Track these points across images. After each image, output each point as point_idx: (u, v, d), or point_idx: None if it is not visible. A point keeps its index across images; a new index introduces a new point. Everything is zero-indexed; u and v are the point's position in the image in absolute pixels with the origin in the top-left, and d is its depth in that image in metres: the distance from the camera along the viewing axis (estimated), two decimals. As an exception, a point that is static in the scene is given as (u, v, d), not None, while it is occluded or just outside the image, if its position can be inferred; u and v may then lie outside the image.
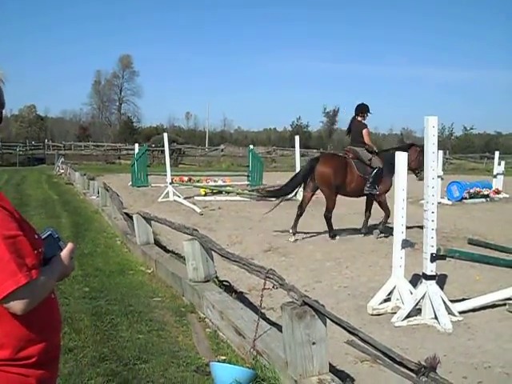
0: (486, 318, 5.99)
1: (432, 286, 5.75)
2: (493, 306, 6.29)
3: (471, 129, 68.80)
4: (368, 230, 11.41)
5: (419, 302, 5.82)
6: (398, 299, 6.18)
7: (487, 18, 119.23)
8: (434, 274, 5.80)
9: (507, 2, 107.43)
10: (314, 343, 3.70)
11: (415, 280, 6.45)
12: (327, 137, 71.29)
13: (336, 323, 3.46)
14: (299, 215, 11.03)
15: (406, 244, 6.22)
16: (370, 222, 11.59)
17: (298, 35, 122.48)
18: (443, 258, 5.89)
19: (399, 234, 6.21)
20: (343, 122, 76.99)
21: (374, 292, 6.42)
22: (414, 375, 2.58)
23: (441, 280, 7.15)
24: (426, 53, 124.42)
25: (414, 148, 11.36)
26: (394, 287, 6.23)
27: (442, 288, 6.30)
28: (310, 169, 11.04)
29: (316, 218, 13.88)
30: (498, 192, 20.41)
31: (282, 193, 11.73)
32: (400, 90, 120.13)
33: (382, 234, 11.05)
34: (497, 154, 22.82)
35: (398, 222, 6.23)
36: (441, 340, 5.27)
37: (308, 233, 11.38)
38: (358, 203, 12.42)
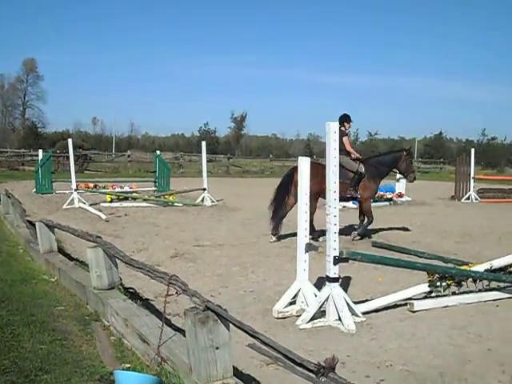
0: (388, 318, 6.15)
1: (335, 288, 5.85)
2: (395, 306, 6.46)
3: (376, 134, 70.86)
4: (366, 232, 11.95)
5: (323, 304, 5.90)
6: (302, 302, 6.24)
7: (391, 23, 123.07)
8: (338, 276, 5.90)
9: (407, 7, 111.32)
10: (217, 348, 3.68)
11: (320, 283, 6.55)
12: (235, 142, 71.65)
13: (238, 327, 3.46)
14: (281, 219, 11.30)
15: (310, 248, 6.31)
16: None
17: (203, 39, 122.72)
18: (346, 260, 6.00)
19: (303, 238, 6.28)
20: (251, 128, 77.64)
21: (279, 296, 6.46)
22: (313, 376, 2.60)
23: (345, 282, 7.30)
24: (330, 59, 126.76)
25: (400, 153, 12.27)
26: (299, 290, 6.29)
27: (345, 290, 6.42)
28: (289, 177, 11.43)
29: (223, 223, 13.93)
30: (400, 195, 21.11)
31: (274, 209, 11.42)
32: (306, 95, 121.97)
33: (358, 237, 11.61)
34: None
35: (302, 226, 6.30)
36: (344, 341, 5.36)
37: (216, 238, 11.39)
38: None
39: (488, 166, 56.43)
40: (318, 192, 10.58)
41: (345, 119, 11.97)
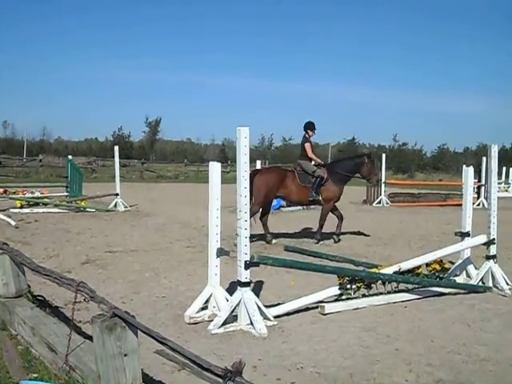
0: (299, 321, 6.19)
1: (247, 292, 5.85)
2: (306, 309, 6.52)
3: (290, 139, 71.68)
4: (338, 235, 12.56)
5: (235, 308, 5.89)
6: (214, 307, 6.21)
7: (293, 27, 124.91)
8: (249, 280, 5.90)
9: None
10: (125, 355, 3.60)
11: (232, 287, 6.54)
12: (149, 147, 71.05)
13: (146, 333, 3.40)
14: (264, 224, 12.21)
15: (221, 253, 6.29)
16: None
17: (114, 43, 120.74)
18: (257, 265, 6.01)
19: (214, 243, 6.26)
20: (165, 132, 77.06)
21: (191, 301, 6.40)
22: (220, 380, 2.58)
23: (257, 286, 7.32)
24: (240, 62, 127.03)
25: (361, 158, 12.94)
26: (211, 295, 6.26)
27: (257, 294, 6.44)
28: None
29: (136, 228, 13.74)
30: (313, 200, 21.39)
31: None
32: (220, 100, 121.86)
33: (317, 242, 12.14)
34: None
35: (213, 231, 6.28)
36: (256, 345, 5.37)
37: (128, 244, 11.22)
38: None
39: (399, 170, 58.06)
40: (270, 195, 11.95)
41: (308, 126, 12.53)
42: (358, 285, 6.89)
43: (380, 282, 7.11)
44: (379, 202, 23.15)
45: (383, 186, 23.34)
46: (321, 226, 12.50)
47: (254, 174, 11.78)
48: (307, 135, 12.53)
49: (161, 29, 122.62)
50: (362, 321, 6.21)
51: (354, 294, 6.85)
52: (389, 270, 7.18)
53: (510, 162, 41.02)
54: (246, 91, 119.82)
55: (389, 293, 7.11)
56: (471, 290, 7.63)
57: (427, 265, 7.71)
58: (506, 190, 31.03)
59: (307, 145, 12.42)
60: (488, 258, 7.87)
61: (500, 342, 5.56)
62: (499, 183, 28.31)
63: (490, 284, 7.73)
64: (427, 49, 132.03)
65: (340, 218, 12.74)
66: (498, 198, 8.38)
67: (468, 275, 8.01)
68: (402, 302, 7.04)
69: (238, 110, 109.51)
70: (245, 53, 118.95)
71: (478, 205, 22.40)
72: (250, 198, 11.22)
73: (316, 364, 4.84)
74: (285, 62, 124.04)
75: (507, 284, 7.74)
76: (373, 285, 7.07)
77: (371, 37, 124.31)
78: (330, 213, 12.72)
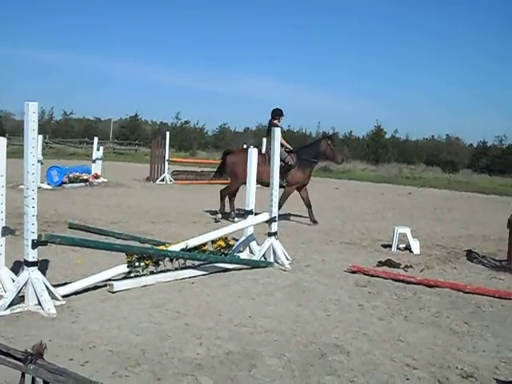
0: (88, 299, 6.11)
1: (34, 272, 5.66)
2: (95, 287, 6.44)
3: (71, 113, 69.23)
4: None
5: (22, 289, 5.67)
6: (0, 288, 5.95)
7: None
8: (36, 260, 5.70)
9: None
10: None
11: (18, 267, 6.29)
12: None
13: None
14: (231, 202, 13.52)
15: (6, 231, 6.02)
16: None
17: None
18: (44, 243, 5.82)
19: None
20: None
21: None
22: (21, 364, 2.51)
23: (43, 265, 7.08)
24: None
25: (323, 141, 13.66)
26: (-5, 276, 5.98)
27: (44, 273, 6.22)
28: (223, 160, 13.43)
29: None
30: (96, 177, 21.10)
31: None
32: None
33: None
34: (96, 139, 23.55)
35: None
36: (46, 325, 5.22)
37: None
38: None
39: (181, 148, 58.65)
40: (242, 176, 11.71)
41: (276, 113, 13.22)
42: (147, 262, 6.94)
43: (168, 259, 7.24)
44: (163, 180, 23.30)
45: (166, 163, 23.52)
46: (279, 207, 12.26)
47: (226, 154, 13.42)
48: (275, 121, 13.06)
49: None
50: (152, 298, 6.29)
51: (142, 271, 6.89)
52: (176, 248, 7.31)
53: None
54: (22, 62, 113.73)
55: (176, 269, 7.27)
56: (254, 265, 8.04)
57: (213, 241, 7.97)
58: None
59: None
60: (270, 234, 8.33)
61: (283, 314, 5.95)
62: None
63: (272, 259, 8.20)
64: (210, 24, 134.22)
65: (308, 205, 13.40)
66: (279, 178, 8.85)
67: (251, 251, 8.41)
68: (190, 278, 7.22)
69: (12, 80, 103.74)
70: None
71: (258, 184, 23.31)
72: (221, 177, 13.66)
73: (108, 342, 4.83)
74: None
75: (287, 259, 8.27)
76: (161, 262, 7.18)
77: (145, 17, 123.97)
78: (300, 195, 13.49)
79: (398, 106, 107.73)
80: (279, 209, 12.86)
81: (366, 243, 11.02)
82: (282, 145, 12.52)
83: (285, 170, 12.84)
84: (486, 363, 4.91)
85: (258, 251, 8.27)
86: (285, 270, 7.97)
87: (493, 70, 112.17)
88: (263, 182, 13.28)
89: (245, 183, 12.93)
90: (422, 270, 8.66)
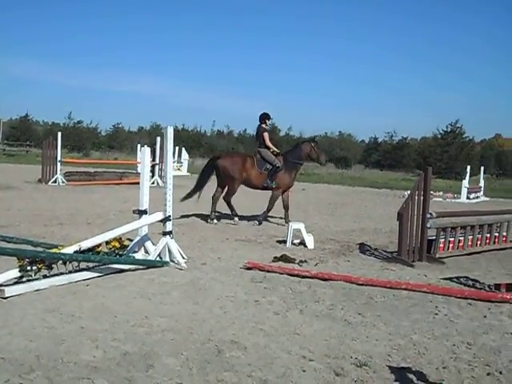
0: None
1: None
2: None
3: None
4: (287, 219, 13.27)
5: None
6: None
7: None
8: None
9: None
10: None
11: None
12: None
13: None
14: (214, 203, 13.45)
15: None
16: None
17: None
18: None
19: None
20: None
21: None
22: None
23: None
24: None
25: (307, 143, 14.15)
26: None
27: None
28: (212, 164, 13.65)
29: None
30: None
31: (196, 189, 13.64)
32: None
33: (258, 224, 13.25)
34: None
35: None
36: None
37: None
38: None
39: (74, 149, 57.32)
40: (237, 178, 13.21)
41: (264, 117, 13.84)
42: (39, 266, 6.75)
43: (61, 262, 7.08)
44: (55, 181, 22.68)
45: (59, 164, 22.91)
46: (268, 210, 13.61)
47: (216, 159, 13.69)
48: (264, 125, 13.82)
49: None
50: (45, 302, 6.13)
51: (35, 275, 6.71)
52: (69, 250, 7.17)
53: (182, 142, 43.25)
54: None
55: (70, 272, 7.11)
56: (150, 265, 7.99)
57: (107, 243, 7.85)
58: (179, 169, 32.63)
59: (266, 134, 13.69)
60: (165, 233, 8.31)
61: (179, 313, 5.96)
62: (173, 162, 29.62)
63: (168, 258, 8.18)
64: (101, 22, 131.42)
65: (286, 208, 13.73)
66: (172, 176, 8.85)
67: (146, 251, 8.34)
68: (84, 280, 7.09)
69: None
70: None
71: (153, 183, 23.24)
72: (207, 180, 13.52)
73: (0, 350, 4.69)
74: None
75: (183, 258, 8.28)
76: (54, 265, 7.00)
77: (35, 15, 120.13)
78: (282, 197, 13.77)
79: (291, 103, 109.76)
80: (268, 212, 13.54)
81: (262, 240, 11.18)
82: (268, 147, 13.43)
83: (273, 172, 13.43)
84: (379, 351, 5.11)
85: (153, 251, 8.22)
86: (181, 269, 7.97)
87: (386, 68, 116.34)
88: (255, 185, 13.78)
89: (242, 183, 13.63)
90: (316, 264, 8.88)
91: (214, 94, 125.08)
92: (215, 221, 13.31)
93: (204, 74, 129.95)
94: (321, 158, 14.36)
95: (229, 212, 13.72)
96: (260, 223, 13.38)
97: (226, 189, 13.61)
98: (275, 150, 13.85)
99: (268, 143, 13.73)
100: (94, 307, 6.03)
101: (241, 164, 13.37)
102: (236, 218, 13.50)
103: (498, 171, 56.46)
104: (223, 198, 13.66)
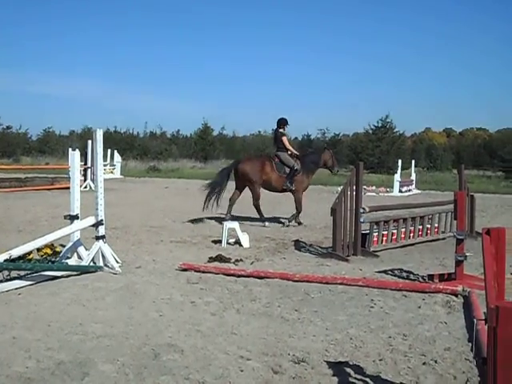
0: None
1: None
2: None
3: None
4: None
5: None
6: None
7: None
8: None
9: None
10: None
11: None
12: None
13: None
14: (231, 205, 13.89)
15: None
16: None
17: None
18: None
19: None
20: None
21: None
22: None
23: None
24: None
25: (328, 151, 14.78)
26: None
27: None
28: (233, 168, 14.07)
29: None
30: None
31: (214, 185, 14.02)
32: None
33: (291, 223, 13.72)
34: None
35: None
36: None
37: None
38: None
39: (4, 155, 55.93)
40: (257, 181, 13.57)
41: (282, 122, 14.18)
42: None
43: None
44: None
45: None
46: (298, 212, 13.88)
47: (237, 163, 14.18)
48: (281, 130, 14.11)
49: None
50: (-26, 313, 5.96)
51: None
52: (-1, 259, 6.98)
53: (115, 145, 42.70)
54: None
55: (1, 282, 6.92)
56: (84, 270, 7.83)
57: (38, 250, 7.70)
58: (112, 172, 32.23)
59: (285, 138, 14.09)
60: (97, 238, 8.16)
61: (114, 318, 5.85)
62: (105, 165, 29.28)
63: (101, 263, 8.04)
64: (26, 25, 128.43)
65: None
66: (105, 180, 8.73)
67: (79, 257, 8.18)
68: (16, 289, 6.89)
69: None
70: None
71: (86, 187, 22.88)
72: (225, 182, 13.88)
73: None
74: None
75: (117, 262, 8.16)
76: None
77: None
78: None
79: (224, 103, 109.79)
80: (299, 214, 13.85)
81: (197, 240, 11.14)
82: (287, 150, 14.14)
83: (292, 174, 13.84)
84: (317, 347, 5.15)
85: (86, 256, 8.06)
86: (115, 274, 7.85)
87: (315, 67, 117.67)
88: (274, 188, 14.13)
89: (262, 186, 13.91)
90: (252, 263, 8.91)
91: (146, 95, 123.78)
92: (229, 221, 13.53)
93: (135, 75, 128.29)
94: (335, 166, 15.17)
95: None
96: (300, 223, 13.85)
97: (251, 194, 13.99)
98: (295, 152, 14.38)
99: (288, 146, 14.26)
100: (27, 316, 5.88)
101: (261, 168, 13.72)
102: (266, 223, 13.72)
103: (428, 164, 57.81)
104: (253, 204, 13.94)
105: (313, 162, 14.53)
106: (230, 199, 14.02)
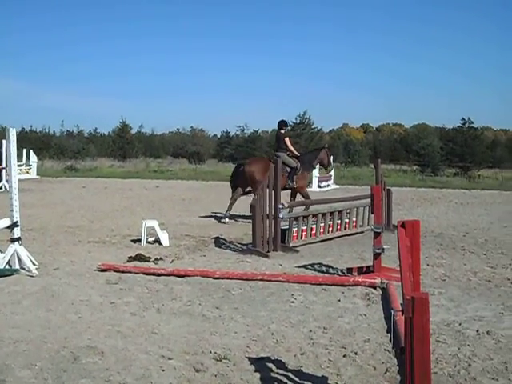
0: None
1: None
2: None
3: None
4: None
5: None
6: None
7: None
8: None
9: None
10: None
11: None
12: None
13: None
14: (231, 204, 14.28)
15: None
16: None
17: None
18: None
19: None
20: None
21: None
22: None
23: None
24: None
25: (324, 150, 15.36)
26: None
27: None
28: (239, 169, 14.76)
29: None
30: None
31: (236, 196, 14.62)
32: None
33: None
34: None
35: None
36: None
37: None
38: None
39: None
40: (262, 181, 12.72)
41: (282, 124, 14.88)
42: None
43: None
44: None
45: None
46: (308, 206, 13.54)
47: (242, 164, 14.92)
48: (282, 131, 14.67)
49: None
50: None
51: None
52: None
53: (30, 144, 41.53)
54: None
55: None
56: (-1, 274, 7.62)
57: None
58: (28, 172, 31.33)
59: (287, 139, 14.48)
60: (13, 240, 7.94)
61: (32, 322, 5.72)
62: (20, 165, 28.46)
63: (17, 266, 7.83)
64: None
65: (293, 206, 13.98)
66: (20, 180, 8.49)
67: (-6, 260, 7.95)
68: None
69: None
70: None
71: (0, 188, 22.26)
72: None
73: None
74: None
75: (34, 264, 7.96)
76: None
77: None
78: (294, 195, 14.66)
79: (142, 101, 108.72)
80: (309, 207, 13.58)
81: (116, 240, 10.99)
82: (289, 150, 14.53)
83: (293, 173, 14.26)
84: (238, 343, 5.18)
85: (1, 259, 7.83)
86: (32, 276, 7.65)
87: (236, 67, 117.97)
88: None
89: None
90: (172, 261, 8.87)
91: (61, 94, 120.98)
92: (227, 219, 14.10)
93: (50, 73, 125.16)
94: (330, 164, 16.65)
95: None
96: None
97: (252, 193, 13.98)
98: (296, 153, 14.82)
99: (291, 147, 14.67)
100: None
101: (266, 168, 13.48)
102: (227, 219, 14.08)
103: (346, 159, 58.69)
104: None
105: (311, 161, 15.16)
106: (231, 198, 14.49)
